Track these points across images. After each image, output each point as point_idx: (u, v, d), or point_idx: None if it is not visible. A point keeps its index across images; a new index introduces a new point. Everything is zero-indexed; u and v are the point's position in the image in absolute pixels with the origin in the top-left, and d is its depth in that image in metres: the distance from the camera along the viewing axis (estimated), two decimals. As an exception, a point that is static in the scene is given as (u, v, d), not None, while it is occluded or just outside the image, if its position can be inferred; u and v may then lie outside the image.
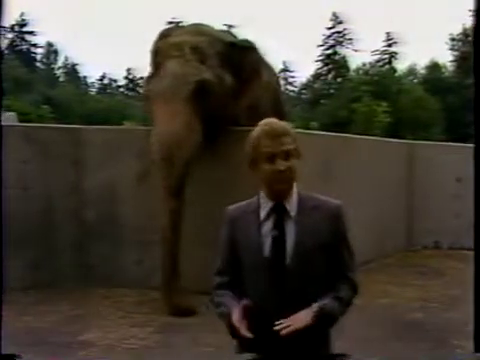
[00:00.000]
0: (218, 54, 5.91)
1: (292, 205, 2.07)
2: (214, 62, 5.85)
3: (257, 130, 2.06)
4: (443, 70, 40.58)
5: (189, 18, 15.97)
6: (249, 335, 1.91)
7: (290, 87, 53.04)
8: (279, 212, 2.06)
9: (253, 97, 6.16)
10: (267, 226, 2.06)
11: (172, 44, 5.83)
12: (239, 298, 2.05)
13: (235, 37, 6.73)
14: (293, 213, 2.06)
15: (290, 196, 2.07)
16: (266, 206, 2.08)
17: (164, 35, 6.13)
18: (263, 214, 2.08)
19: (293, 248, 2.02)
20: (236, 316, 1.96)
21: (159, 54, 5.92)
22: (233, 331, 1.96)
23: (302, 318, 1.94)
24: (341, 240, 2.12)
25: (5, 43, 47.32)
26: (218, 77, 5.80)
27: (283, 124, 2.08)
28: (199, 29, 6.15)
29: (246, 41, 6.37)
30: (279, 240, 2.04)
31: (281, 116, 4.79)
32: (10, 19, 52.24)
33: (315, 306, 1.98)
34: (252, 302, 2.02)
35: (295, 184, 2.10)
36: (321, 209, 2.09)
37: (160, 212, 5.51)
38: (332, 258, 2.09)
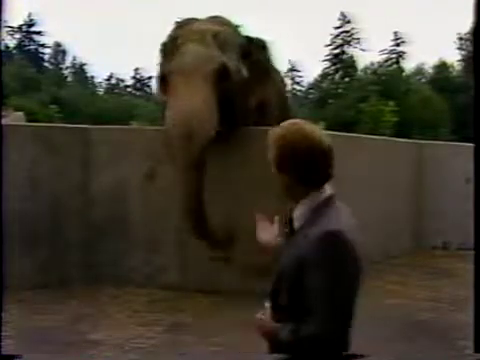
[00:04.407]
0: (238, 46, 5.93)
1: (297, 222, 1.92)
2: (233, 53, 5.84)
3: None
4: (451, 70, 40.39)
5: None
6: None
7: (297, 87, 52.95)
8: (289, 224, 1.97)
9: (262, 96, 6.15)
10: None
11: (194, 30, 5.80)
12: None
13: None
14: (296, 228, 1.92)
15: (296, 211, 1.92)
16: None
17: (183, 23, 6.12)
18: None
19: (279, 265, 1.92)
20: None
21: (179, 38, 5.81)
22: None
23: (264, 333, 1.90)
24: (309, 272, 1.76)
25: (5, 44, 47.37)
26: (236, 68, 5.77)
27: (270, 132, 1.94)
28: (220, 20, 6.17)
29: (261, 40, 6.38)
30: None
31: (287, 118, 4.77)
32: (18, 19, 52.55)
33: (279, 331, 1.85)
34: None
35: (305, 203, 1.90)
36: (309, 233, 1.82)
37: (179, 187, 5.30)
38: (296, 293, 1.81)
